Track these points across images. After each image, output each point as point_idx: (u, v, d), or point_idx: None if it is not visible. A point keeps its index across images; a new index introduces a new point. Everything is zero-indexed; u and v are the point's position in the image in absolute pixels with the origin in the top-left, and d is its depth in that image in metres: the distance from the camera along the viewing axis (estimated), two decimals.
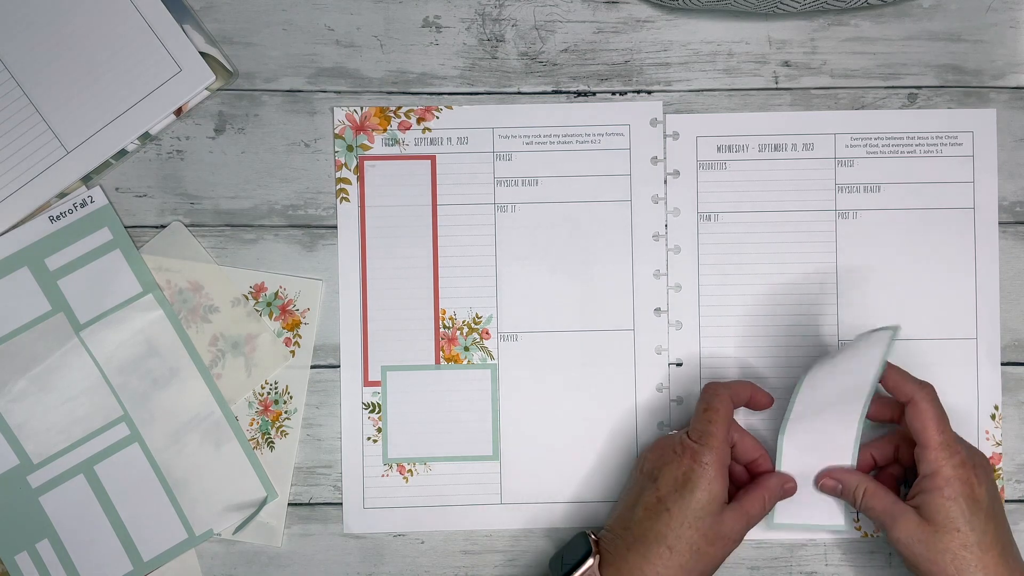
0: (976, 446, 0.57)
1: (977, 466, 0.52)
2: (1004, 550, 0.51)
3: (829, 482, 0.56)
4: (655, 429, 0.61)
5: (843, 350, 0.55)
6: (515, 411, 0.61)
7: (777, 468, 0.56)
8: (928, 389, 0.53)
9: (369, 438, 0.61)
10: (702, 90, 0.61)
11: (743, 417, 0.60)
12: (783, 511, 0.57)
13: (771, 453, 0.57)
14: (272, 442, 0.61)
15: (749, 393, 0.57)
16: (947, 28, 0.61)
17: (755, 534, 0.60)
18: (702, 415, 0.54)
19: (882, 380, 0.54)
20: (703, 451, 0.52)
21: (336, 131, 0.61)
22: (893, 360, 0.59)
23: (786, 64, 0.61)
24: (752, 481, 0.56)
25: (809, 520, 0.57)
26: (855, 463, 0.56)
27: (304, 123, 0.61)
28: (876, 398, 0.55)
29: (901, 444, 0.57)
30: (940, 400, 0.53)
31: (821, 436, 0.56)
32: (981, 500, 0.51)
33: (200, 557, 0.60)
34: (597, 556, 0.53)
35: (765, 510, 0.55)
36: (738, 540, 0.54)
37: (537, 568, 0.61)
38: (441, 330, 0.61)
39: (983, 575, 0.50)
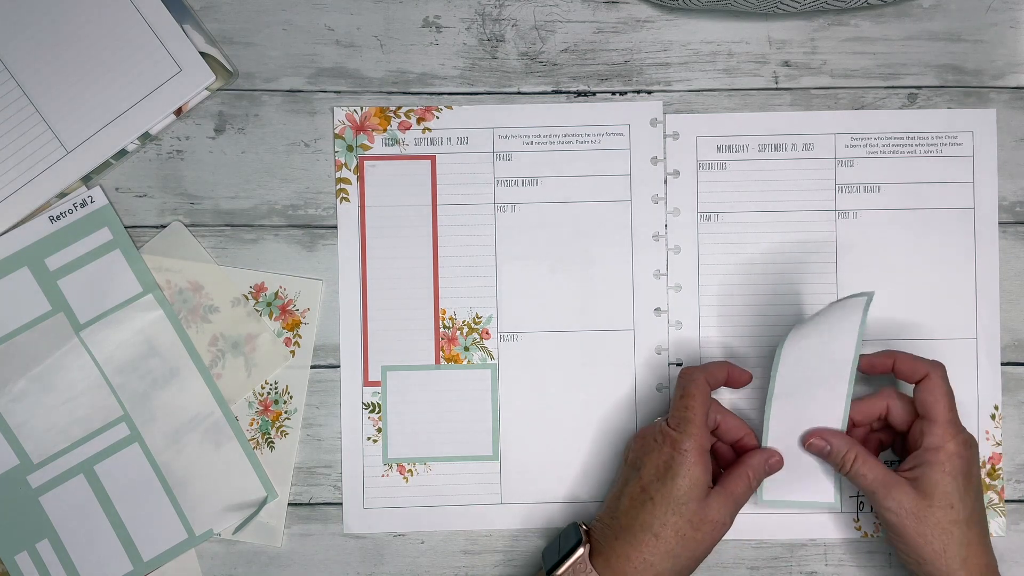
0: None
1: (973, 446, 0.53)
2: (983, 528, 0.53)
3: (818, 442, 0.55)
4: None
5: (818, 320, 0.55)
6: (515, 411, 0.61)
7: (763, 445, 0.56)
8: (941, 367, 0.54)
9: (369, 438, 0.61)
10: (702, 90, 0.61)
11: (727, 396, 0.60)
12: (771, 488, 0.57)
13: (756, 431, 0.57)
14: (272, 442, 0.61)
15: (725, 372, 0.57)
16: (947, 28, 0.61)
17: (753, 533, 0.60)
18: (679, 402, 0.54)
19: (893, 367, 0.55)
20: (682, 438, 0.53)
21: (336, 131, 0.61)
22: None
23: (786, 64, 0.61)
24: (735, 462, 0.56)
25: (798, 496, 0.57)
26: (845, 428, 0.56)
27: (304, 123, 0.61)
28: (868, 353, 0.56)
29: (892, 408, 0.56)
30: (948, 379, 0.54)
31: (808, 411, 0.56)
32: (973, 478, 0.53)
33: (200, 557, 0.60)
34: (587, 545, 0.53)
35: (751, 489, 0.55)
36: (727, 523, 0.54)
37: (536, 568, 0.61)
38: (441, 330, 0.61)
39: (966, 551, 0.52)
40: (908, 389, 0.57)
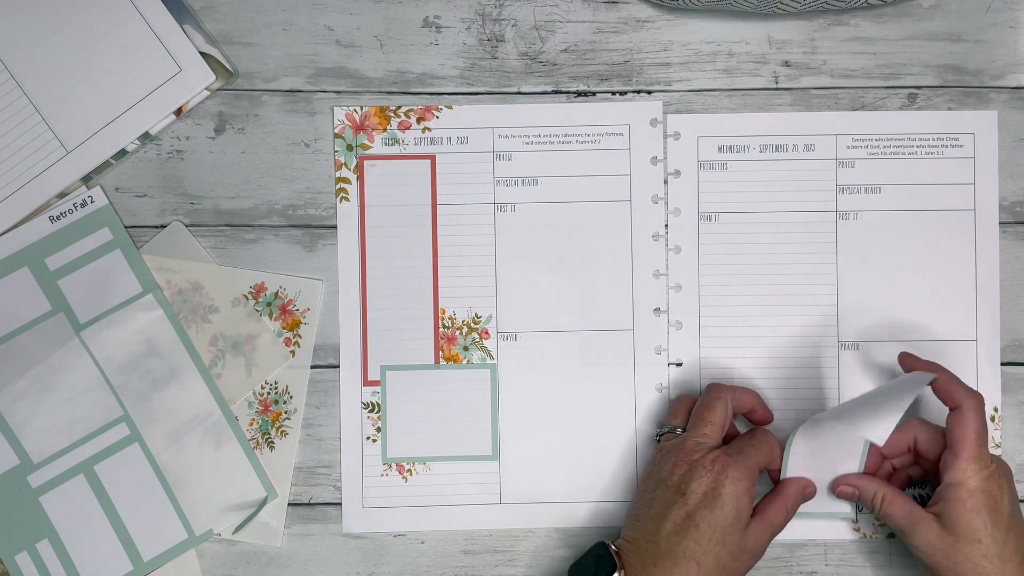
0: (1005, 462, 0.55)
1: (1002, 477, 0.52)
2: (1023, 560, 0.51)
3: (846, 489, 0.55)
4: (655, 429, 0.61)
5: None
6: (514, 411, 0.61)
7: (783, 474, 0.56)
8: (977, 399, 0.53)
9: (368, 438, 0.61)
10: (702, 90, 0.61)
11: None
12: None
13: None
14: (272, 442, 0.61)
15: (752, 405, 0.57)
16: (947, 28, 0.61)
17: None
18: (703, 425, 0.54)
19: (932, 384, 0.54)
20: (733, 466, 0.52)
21: (336, 131, 0.61)
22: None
23: (786, 64, 0.61)
24: (772, 491, 0.55)
25: (819, 508, 0.57)
26: (863, 468, 0.55)
27: (304, 123, 0.61)
28: (914, 355, 0.56)
29: (919, 438, 0.55)
30: (985, 414, 0.53)
31: (830, 442, 0.56)
32: (1003, 512, 0.51)
33: (200, 557, 0.60)
34: (622, 570, 0.52)
35: (788, 519, 0.54)
36: (761, 554, 0.53)
37: (537, 568, 0.61)
38: (440, 330, 0.61)
39: None
40: (938, 418, 0.56)
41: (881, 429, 0.52)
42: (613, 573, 0.52)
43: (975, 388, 0.60)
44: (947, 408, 0.54)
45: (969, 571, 0.51)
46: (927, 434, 0.55)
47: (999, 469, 0.52)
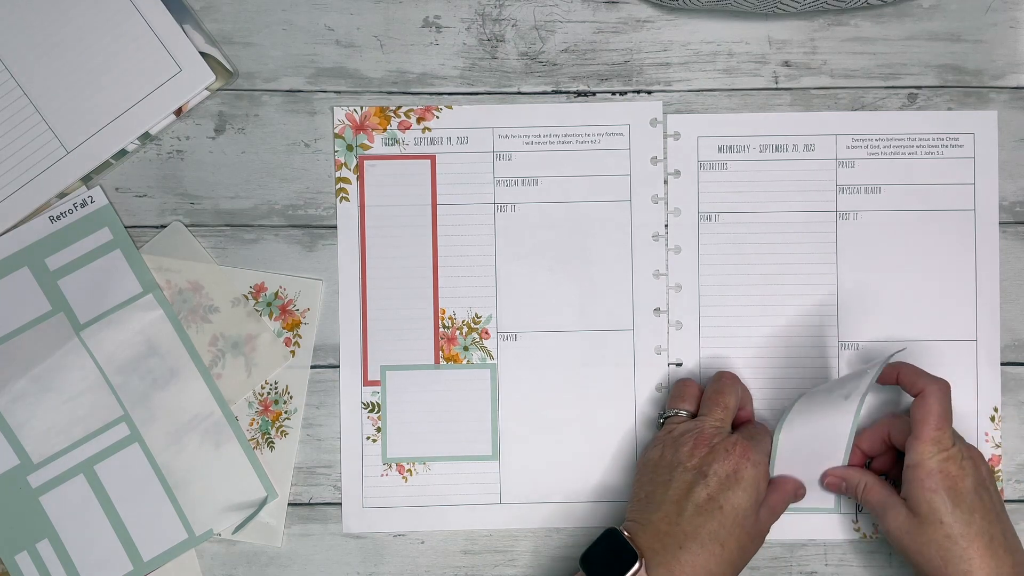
0: (976, 447, 0.56)
1: (965, 459, 0.52)
2: (991, 541, 0.51)
3: (834, 480, 0.56)
4: (655, 430, 0.61)
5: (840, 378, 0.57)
6: (514, 411, 0.61)
7: (771, 469, 0.56)
8: (941, 385, 0.54)
9: (368, 438, 0.61)
10: (702, 90, 0.61)
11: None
12: None
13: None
14: (272, 442, 0.61)
15: (745, 402, 0.59)
16: (947, 28, 0.61)
17: None
18: (717, 399, 0.56)
19: (897, 377, 0.55)
20: (754, 449, 0.53)
21: (336, 131, 0.61)
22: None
23: (786, 64, 0.61)
24: (771, 483, 0.56)
25: (802, 503, 0.58)
26: (847, 462, 0.56)
27: (304, 123, 0.61)
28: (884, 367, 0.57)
29: (892, 430, 0.56)
30: (950, 400, 0.53)
31: (814, 437, 0.56)
32: (963, 492, 0.52)
33: (200, 557, 0.60)
34: (642, 559, 0.51)
35: (784, 509, 0.56)
36: (764, 537, 0.55)
37: (537, 568, 0.61)
38: (440, 330, 0.61)
39: (967, 566, 0.51)
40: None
41: (849, 411, 0.53)
42: (634, 564, 0.51)
43: (974, 390, 0.60)
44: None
45: (935, 553, 0.51)
46: (899, 425, 0.56)
47: (962, 451, 0.52)
